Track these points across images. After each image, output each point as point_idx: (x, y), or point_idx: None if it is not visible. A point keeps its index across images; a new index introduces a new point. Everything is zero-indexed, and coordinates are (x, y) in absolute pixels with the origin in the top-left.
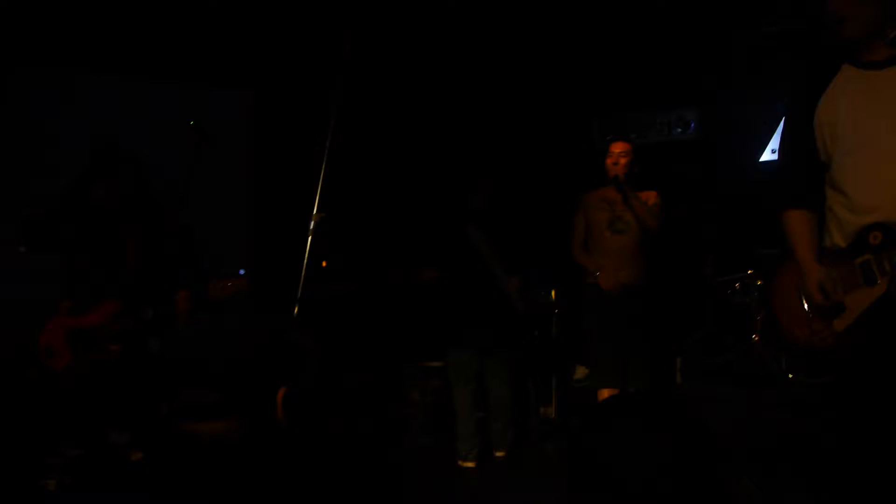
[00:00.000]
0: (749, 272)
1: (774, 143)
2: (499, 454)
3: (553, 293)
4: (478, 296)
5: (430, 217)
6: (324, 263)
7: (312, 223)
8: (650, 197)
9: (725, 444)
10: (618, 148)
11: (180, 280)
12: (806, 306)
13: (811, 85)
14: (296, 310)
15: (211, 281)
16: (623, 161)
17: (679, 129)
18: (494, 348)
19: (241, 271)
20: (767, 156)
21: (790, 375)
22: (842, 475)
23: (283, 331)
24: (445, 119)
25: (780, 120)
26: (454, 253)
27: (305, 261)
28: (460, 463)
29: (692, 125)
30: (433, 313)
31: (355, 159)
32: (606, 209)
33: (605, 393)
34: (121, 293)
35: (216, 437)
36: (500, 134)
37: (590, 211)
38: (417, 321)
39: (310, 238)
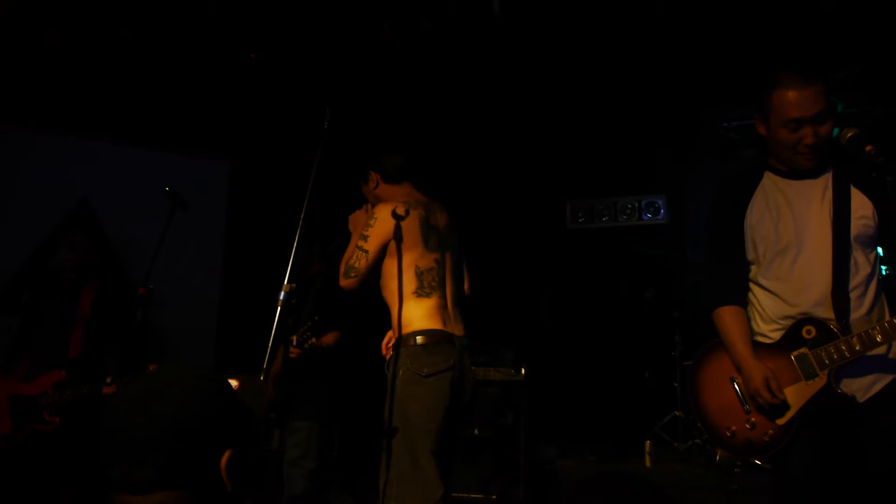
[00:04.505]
0: None
1: None
2: None
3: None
4: None
5: None
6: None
7: (283, 293)
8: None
9: None
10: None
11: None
12: (743, 402)
13: (739, 192)
14: (262, 377)
15: None
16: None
17: (649, 215)
18: None
19: None
20: None
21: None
22: None
23: (229, 391)
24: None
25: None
26: None
27: (273, 332)
28: None
29: (662, 211)
30: None
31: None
32: None
33: None
34: (68, 363)
35: None
36: (477, 212)
37: None
38: None
39: (279, 308)
